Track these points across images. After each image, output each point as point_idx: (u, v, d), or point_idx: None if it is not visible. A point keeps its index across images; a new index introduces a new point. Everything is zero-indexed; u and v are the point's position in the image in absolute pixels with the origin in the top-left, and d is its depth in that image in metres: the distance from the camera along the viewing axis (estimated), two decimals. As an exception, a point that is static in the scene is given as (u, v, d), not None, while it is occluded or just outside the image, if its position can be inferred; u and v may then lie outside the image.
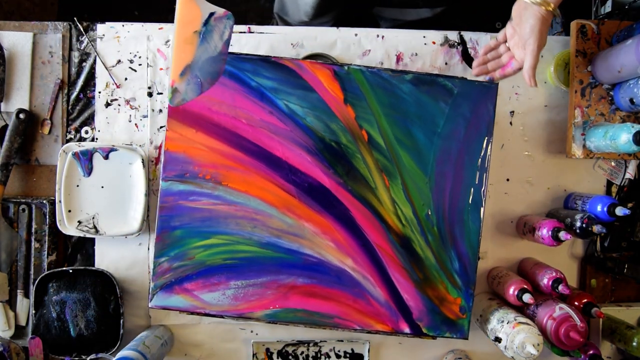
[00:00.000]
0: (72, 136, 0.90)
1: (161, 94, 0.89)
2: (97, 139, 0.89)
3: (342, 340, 0.90)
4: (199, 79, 0.65)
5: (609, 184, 0.93)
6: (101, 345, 0.84)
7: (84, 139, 0.90)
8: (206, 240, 0.77)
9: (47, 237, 0.87)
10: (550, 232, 0.79)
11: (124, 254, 0.89)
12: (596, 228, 0.78)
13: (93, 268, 0.86)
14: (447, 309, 0.78)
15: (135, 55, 0.89)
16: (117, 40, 0.89)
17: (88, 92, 0.90)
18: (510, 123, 0.92)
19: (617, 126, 0.79)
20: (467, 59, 0.91)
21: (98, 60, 0.89)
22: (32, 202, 0.87)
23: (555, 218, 0.86)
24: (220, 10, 0.64)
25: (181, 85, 0.64)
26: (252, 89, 0.77)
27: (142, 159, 0.86)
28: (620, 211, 0.79)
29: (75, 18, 0.90)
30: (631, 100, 0.82)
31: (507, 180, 0.92)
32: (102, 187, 0.87)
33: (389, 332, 0.78)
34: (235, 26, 0.89)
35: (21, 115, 0.86)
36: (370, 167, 0.77)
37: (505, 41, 0.80)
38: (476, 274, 0.78)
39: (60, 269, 0.84)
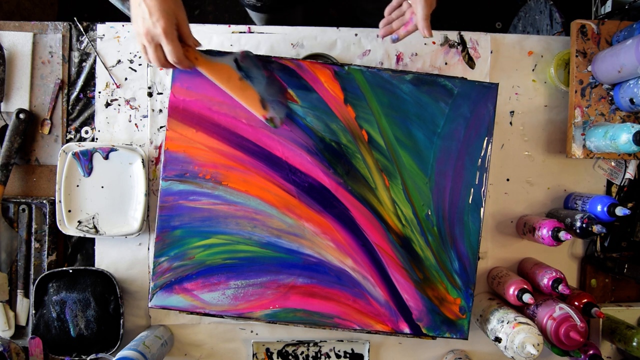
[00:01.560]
0: (72, 136, 0.90)
1: (161, 94, 0.89)
2: (97, 139, 0.89)
3: (342, 340, 0.90)
4: (276, 100, 0.75)
5: (609, 184, 0.93)
6: (101, 345, 0.84)
7: (84, 139, 0.90)
8: (206, 240, 0.77)
9: (47, 237, 0.87)
10: (550, 232, 0.79)
11: (124, 254, 0.89)
12: (596, 228, 0.78)
13: (93, 268, 0.86)
14: (447, 309, 0.78)
15: (136, 55, 0.89)
16: (117, 40, 0.89)
17: (88, 92, 0.90)
18: (510, 123, 0.92)
19: (617, 126, 0.79)
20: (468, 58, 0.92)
21: (98, 60, 0.89)
22: (32, 202, 0.87)
23: (555, 218, 0.86)
24: (237, 53, 0.73)
25: (271, 113, 0.74)
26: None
27: (142, 159, 0.86)
28: (620, 211, 0.79)
29: (75, 18, 0.90)
30: (631, 100, 0.82)
31: (507, 180, 0.92)
32: (102, 187, 0.87)
33: (388, 332, 0.78)
34: (235, 26, 0.90)
35: (21, 115, 0.86)
36: (371, 167, 0.78)
37: None
38: (476, 274, 0.78)
39: (60, 269, 0.84)
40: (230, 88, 0.73)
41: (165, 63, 0.67)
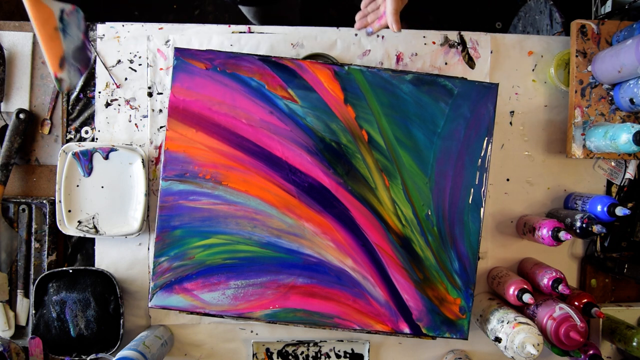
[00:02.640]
0: (72, 136, 0.90)
1: (161, 94, 0.89)
2: (97, 139, 0.89)
3: (342, 340, 0.90)
4: (76, 66, 0.72)
5: (609, 184, 0.93)
6: (101, 345, 0.84)
7: (84, 139, 0.90)
8: (206, 240, 0.77)
9: (47, 237, 0.87)
10: (550, 232, 0.79)
11: (124, 254, 0.89)
12: (596, 228, 0.78)
13: (93, 268, 0.86)
14: (447, 309, 0.78)
15: (135, 55, 0.89)
16: (117, 40, 0.89)
17: (88, 92, 0.90)
18: (510, 123, 0.92)
19: (617, 126, 0.79)
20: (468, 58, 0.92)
21: (98, 60, 0.89)
22: (32, 202, 0.87)
23: (555, 218, 0.86)
24: (68, 6, 0.71)
25: (64, 74, 0.71)
26: (253, 88, 0.77)
27: (142, 159, 0.86)
28: (620, 211, 0.79)
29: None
30: (631, 100, 0.82)
31: (507, 180, 0.92)
32: (102, 187, 0.87)
33: (388, 332, 0.78)
34: (235, 26, 0.90)
35: (21, 115, 0.86)
36: (370, 167, 0.78)
37: None
38: (476, 274, 0.78)
39: (60, 269, 0.84)
40: (41, 32, 0.69)
41: None
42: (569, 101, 0.88)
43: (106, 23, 0.90)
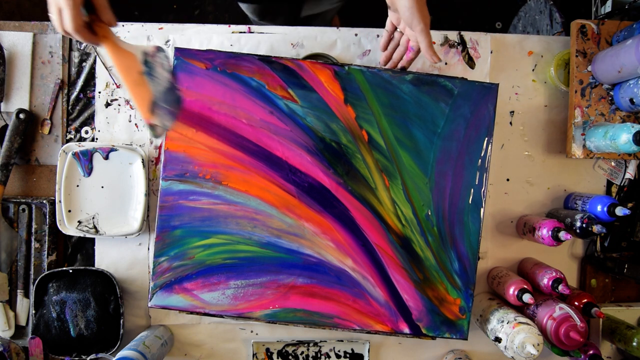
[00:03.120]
0: (72, 136, 0.90)
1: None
2: (97, 139, 0.89)
3: (342, 340, 0.90)
4: (167, 108, 0.68)
5: (609, 184, 0.93)
6: (101, 345, 0.84)
7: (84, 139, 0.90)
8: (206, 239, 0.77)
9: (47, 237, 0.87)
10: (550, 232, 0.79)
11: (124, 254, 0.89)
12: (596, 228, 0.78)
13: (93, 268, 0.86)
14: (447, 309, 0.78)
15: (135, 55, 0.89)
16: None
17: (88, 92, 0.90)
18: (510, 123, 0.92)
19: (617, 126, 0.79)
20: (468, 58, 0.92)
21: (98, 60, 0.89)
22: (32, 202, 0.87)
23: (555, 218, 0.86)
24: (149, 47, 0.68)
25: (156, 120, 0.67)
26: (253, 88, 0.77)
27: (142, 159, 0.86)
28: (620, 211, 0.79)
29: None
30: (631, 100, 0.82)
31: (507, 180, 0.92)
32: (102, 187, 0.87)
33: (388, 332, 0.78)
34: (235, 26, 0.90)
35: (21, 115, 0.86)
36: (371, 167, 0.78)
37: (396, 28, 0.79)
38: (476, 274, 0.78)
39: (60, 269, 0.84)
40: (126, 79, 0.66)
41: (63, 29, 0.61)
42: (569, 101, 0.88)
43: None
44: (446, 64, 0.91)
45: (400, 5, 0.70)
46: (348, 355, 0.91)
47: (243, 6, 1.08)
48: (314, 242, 0.77)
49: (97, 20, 0.63)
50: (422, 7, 0.70)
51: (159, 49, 0.68)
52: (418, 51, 0.76)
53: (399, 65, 0.80)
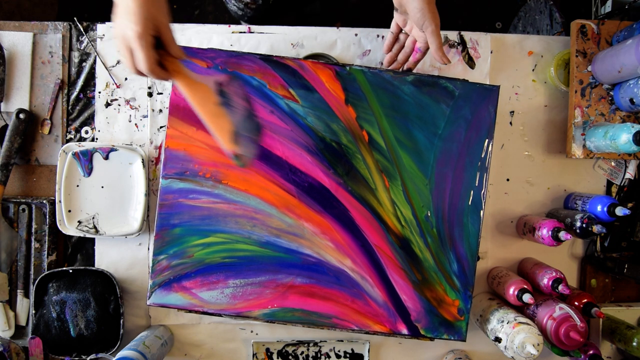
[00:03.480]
0: (72, 136, 0.90)
1: (161, 94, 0.89)
2: (97, 139, 0.89)
3: (342, 340, 0.90)
4: (249, 137, 0.68)
5: (609, 184, 0.93)
6: (101, 345, 0.84)
7: (84, 139, 0.90)
8: (205, 238, 0.77)
9: (47, 237, 0.87)
10: (550, 232, 0.79)
11: (124, 254, 0.89)
12: (596, 228, 0.78)
13: (93, 268, 0.86)
14: (445, 310, 0.77)
15: (135, 55, 0.89)
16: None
17: (88, 92, 0.90)
18: (510, 123, 0.92)
19: (617, 126, 0.79)
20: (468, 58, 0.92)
21: (98, 60, 0.89)
22: (32, 202, 0.87)
23: (555, 218, 0.86)
24: (221, 76, 0.67)
25: (240, 150, 0.67)
26: (254, 87, 0.77)
27: (142, 159, 0.86)
28: (620, 211, 0.79)
29: (75, 18, 0.90)
30: (631, 100, 0.82)
31: (507, 180, 0.92)
32: (102, 187, 0.87)
33: (386, 333, 0.77)
34: (235, 26, 0.90)
35: (21, 115, 0.86)
36: (371, 167, 0.77)
37: (401, 30, 0.79)
38: (475, 276, 0.78)
39: (60, 269, 0.84)
40: (203, 111, 0.65)
41: (136, 70, 0.62)
42: (569, 101, 0.88)
43: (106, 23, 0.90)
44: (451, 63, 0.91)
45: (411, 7, 0.70)
46: (348, 355, 0.91)
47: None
48: (313, 242, 0.77)
49: (165, 55, 0.62)
50: (432, 9, 0.70)
51: (232, 78, 0.68)
52: (425, 52, 0.76)
53: (405, 67, 0.80)
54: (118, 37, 0.60)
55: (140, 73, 0.62)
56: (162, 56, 0.61)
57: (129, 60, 0.61)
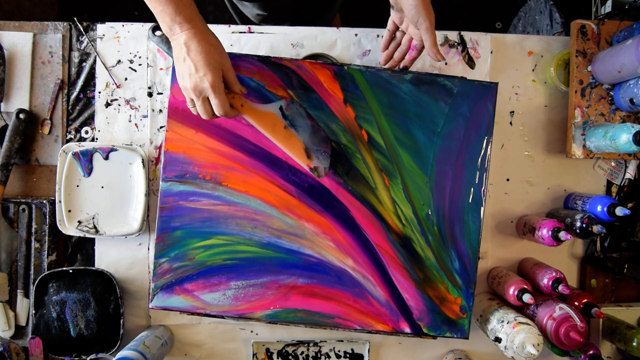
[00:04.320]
0: (72, 136, 0.90)
1: (161, 94, 0.89)
2: (97, 139, 0.89)
3: (342, 340, 0.90)
4: (320, 150, 0.75)
5: (609, 184, 0.93)
6: (101, 345, 0.84)
7: (84, 139, 0.90)
8: (206, 240, 0.77)
9: (47, 237, 0.87)
10: (550, 232, 0.79)
11: (124, 254, 0.89)
12: (596, 228, 0.78)
13: (93, 268, 0.86)
14: (448, 308, 0.78)
15: (135, 55, 0.89)
16: (117, 40, 0.89)
17: (88, 92, 0.90)
18: (510, 123, 0.92)
19: (617, 126, 0.79)
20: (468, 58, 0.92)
21: (98, 60, 0.89)
22: (32, 202, 0.87)
23: (555, 218, 0.86)
24: (281, 101, 0.74)
25: (315, 163, 0.75)
26: (252, 89, 0.77)
27: (142, 159, 0.86)
28: (620, 211, 0.79)
29: (75, 18, 0.90)
30: (631, 100, 0.82)
31: (507, 180, 0.92)
32: (102, 187, 0.87)
33: (389, 331, 0.78)
34: (235, 26, 0.90)
35: (21, 115, 0.86)
36: (370, 167, 0.78)
37: (398, 28, 0.79)
38: (476, 273, 0.78)
39: (60, 269, 0.84)
40: (275, 136, 0.74)
41: (212, 115, 0.67)
42: (569, 101, 0.88)
43: (106, 23, 0.90)
44: (446, 64, 0.91)
45: (406, 4, 0.71)
46: (348, 355, 0.91)
47: (246, 5, 1.08)
48: (315, 242, 0.77)
49: (229, 94, 0.68)
50: (427, 6, 0.70)
51: (290, 100, 0.75)
52: (421, 50, 0.76)
53: (401, 65, 0.80)
54: (189, 90, 0.65)
55: (214, 117, 0.67)
56: (227, 95, 0.68)
57: (203, 108, 0.66)
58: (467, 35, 0.91)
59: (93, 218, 0.86)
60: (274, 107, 0.74)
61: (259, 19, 1.10)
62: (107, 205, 0.87)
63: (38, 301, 0.84)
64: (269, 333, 0.91)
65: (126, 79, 0.90)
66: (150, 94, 0.89)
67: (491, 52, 0.91)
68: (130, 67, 0.89)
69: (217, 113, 0.66)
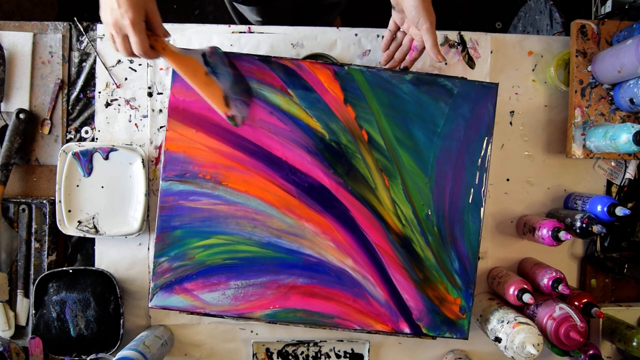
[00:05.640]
0: (72, 136, 0.90)
1: (161, 94, 0.89)
2: (97, 139, 0.89)
3: (342, 340, 0.90)
4: (239, 99, 0.74)
5: (609, 184, 0.93)
6: (101, 345, 0.84)
7: (84, 139, 0.90)
8: (206, 240, 0.77)
9: (47, 237, 0.87)
10: (550, 232, 0.79)
11: (124, 254, 0.89)
12: (596, 228, 0.78)
13: (93, 268, 0.86)
14: (447, 309, 0.78)
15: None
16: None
17: (88, 92, 0.90)
18: (510, 123, 0.92)
19: (617, 126, 0.79)
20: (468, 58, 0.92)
21: (98, 60, 0.89)
22: (32, 202, 0.87)
23: (555, 218, 0.86)
24: (206, 49, 0.73)
25: (233, 111, 0.74)
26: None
27: (142, 159, 0.86)
28: (620, 211, 0.79)
29: (75, 18, 0.90)
30: (631, 100, 0.82)
31: (507, 180, 0.92)
32: (102, 187, 0.87)
33: (388, 332, 0.78)
34: (235, 26, 0.90)
35: (21, 115, 0.86)
36: (370, 167, 0.77)
37: (399, 28, 0.79)
38: (476, 274, 0.78)
39: (60, 269, 0.84)
40: (195, 82, 0.72)
41: (131, 53, 0.66)
42: (569, 101, 0.88)
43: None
44: (446, 63, 0.91)
45: (407, 4, 0.71)
46: (348, 355, 0.91)
47: (242, 8, 1.08)
48: (314, 242, 0.77)
49: (153, 36, 0.67)
50: (428, 6, 0.70)
51: (214, 48, 0.73)
52: (422, 50, 0.77)
53: (402, 65, 0.80)
54: (110, 25, 0.65)
55: (132, 55, 0.67)
56: (150, 37, 0.67)
57: (122, 45, 0.66)
58: (467, 35, 0.91)
59: (93, 218, 0.86)
60: (197, 53, 0.72)
61: (257, 23, 1.10)
62: (107, 205, 0.87)
63: (38, 301, 0.84)
64: (269, 333, 0.91)
65: (126, 79, 0.90)
66: (150, 94, 0.89)
67: (491, 52, 0.91)
68: (130, 67, 0.89)
69: (135, 52, 0.66)
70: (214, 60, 0.73)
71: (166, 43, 0.70)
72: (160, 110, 0.89)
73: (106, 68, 0.89)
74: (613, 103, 0.86)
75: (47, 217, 0.87)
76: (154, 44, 0.67)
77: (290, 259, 0.77)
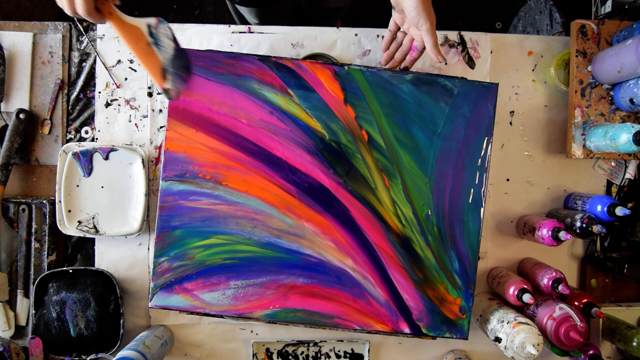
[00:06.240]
0: (72, 136, 0.90)
1: (161, 94, 0.89)
2: (97, 139, 0.89)
3: (342, 340, 0.90)
4: (177, 73, 0.73)
5: (609, 184, 0.93)
6: (101, 345, 0.84)
7: (84, 139, 0.90)
8: (206, 240, 0.77)
9: (47, 237, 0.87)
10: (550, 232, 0.79)
11: (124, 254, 0.89)
12: (596, 228, 0.78)
13: (93, 268, 0.86)
14: (447, 309, 0.78)
15: (135, 55, 0.89)
16: (117, 40, 0.89)
17: (88, 92, 0.90)
18: (510, 123, 0.92)
19: (617, 126, 0.79)
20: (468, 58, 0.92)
21: (98, 60, 0.89)
22: (32, 202, 0.87)
23: (555, 218, 0.86)
24: (152, 20, 0.73)
25: (168, 84, 0.72)
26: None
27: (142, 159, 0.86)
28: (620, 211, 0.79)
29: (75, 18, 0.90)
30: (631, 100, 0.82)
31: (507, 180, 0.92)
32: (102, 187, 0.87)
33: (388, 332, 0.78)
34: (235, 26, 0.90)
35: (21, 115, 0.86)
36: (370, 167, 0.78)
37: (399, 29, 0.79)
38: (476, 274, 0.78)
39: (60, 269, 0.84)
40: (136, 50, 0.72)
41: (74, 12, 0.66)
42: (569, 101, 0.88)
43: (106, 23, 0.89)
44: (446, 63, 0.91)
45: (407, 5, 0.71)
46: (348, 355, 0.91)
47: (242, 10, 1.08)
48: (314, 242, 0.77)
49: (100, 0, 0.67)
50: (428, 7, 0.70)
51: (160, 21, 0.73)
52: (422, 51, 0.77)
53: (402, 65, 0.81)
54: None
55: (77, 15, 0.66)
56: (98, 0, 0.67)
57: (68, 5, 0.65)
58: (467, 35, 0.91)
59: (93, 218, 0.87)
60: (142, 23, 0.73)
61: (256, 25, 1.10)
62: (107, 205, 0.87)
63: (38, 301, 0.84)
64: (269, 333, 0.91)
65: (126, 79, 0.90)
66: (150, 94, 0.89)
67: (491, 52, 0.91)
68: (130, 67, 0.89)
69: (78, 11, 0.65)
70: (158, 32, 0.73)
71: (114, 8, 0.70)
72: (160, 110, 0.90)
73: (106, 68, 0.89)
74: (613, 103, 0.86)
75: (47, 217, 0.87)
76: (100, 6, 0.67)
77: (290, 259, 0.77)
